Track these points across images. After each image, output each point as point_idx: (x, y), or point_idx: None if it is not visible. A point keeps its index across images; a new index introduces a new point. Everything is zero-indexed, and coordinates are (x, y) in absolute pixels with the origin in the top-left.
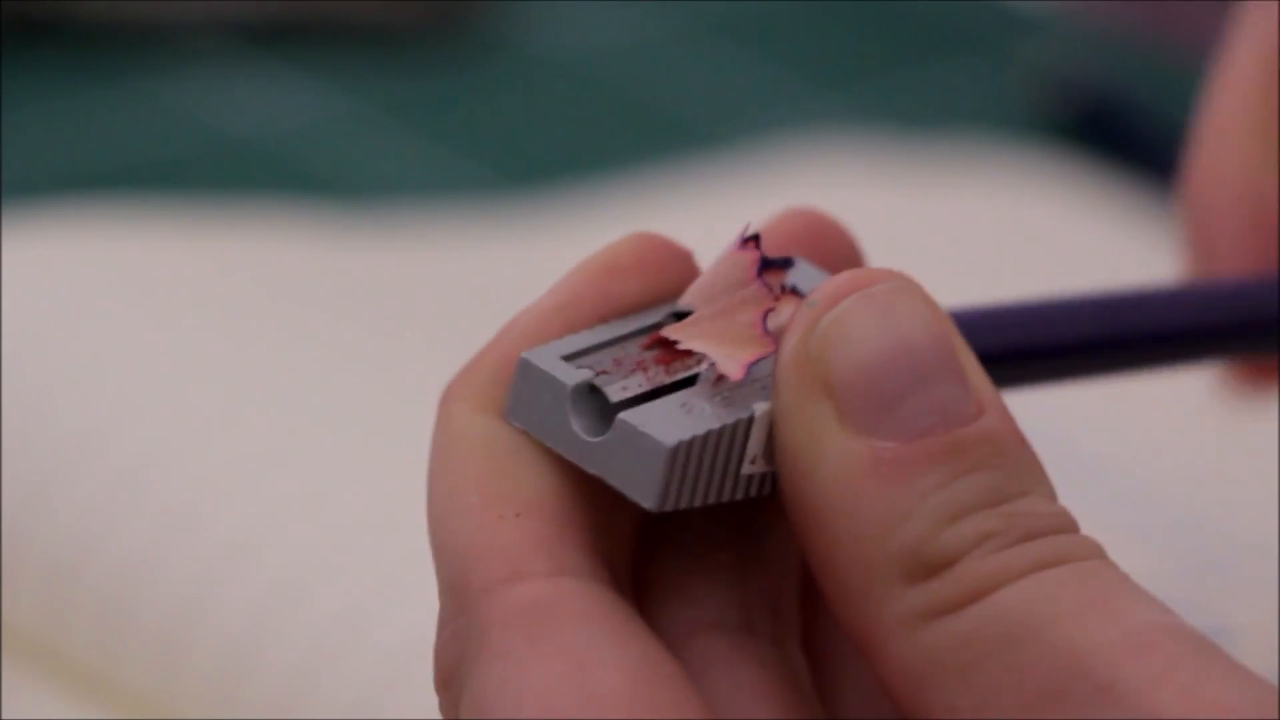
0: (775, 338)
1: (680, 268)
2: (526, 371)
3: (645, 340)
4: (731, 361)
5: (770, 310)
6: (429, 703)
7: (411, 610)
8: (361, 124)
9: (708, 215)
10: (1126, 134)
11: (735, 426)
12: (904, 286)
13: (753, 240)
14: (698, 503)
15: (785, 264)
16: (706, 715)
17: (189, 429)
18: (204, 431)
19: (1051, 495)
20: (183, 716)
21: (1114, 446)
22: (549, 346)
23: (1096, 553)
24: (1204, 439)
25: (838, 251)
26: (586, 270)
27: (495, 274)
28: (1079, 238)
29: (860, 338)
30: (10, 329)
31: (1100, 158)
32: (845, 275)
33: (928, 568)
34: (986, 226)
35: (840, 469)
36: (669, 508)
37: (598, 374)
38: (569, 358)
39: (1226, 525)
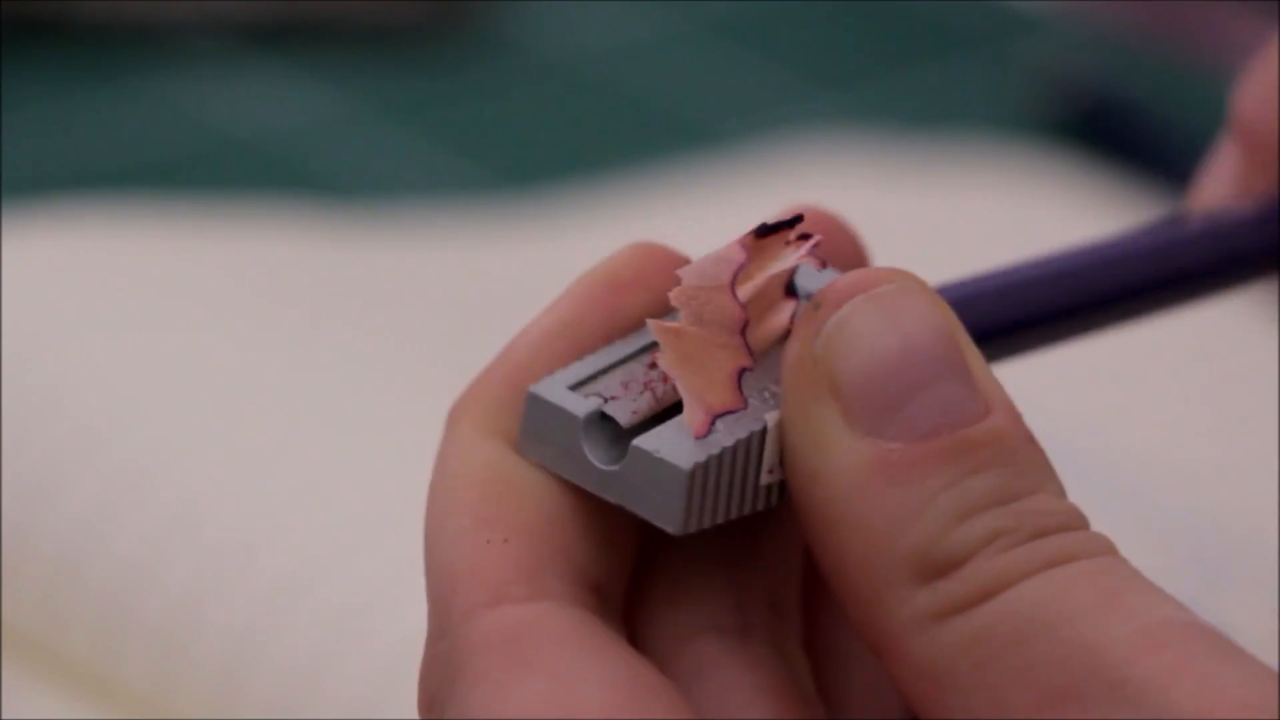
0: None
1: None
2: (536, 406)
3: (650, 359)
4: (698, 410)
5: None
6: None
7: (411, 609)
8: (361, 124)
9: (708, 215)
10: (1126, 134)
11: (750, 439)
12: (909, 286)
13: (749, 235)
14: (720, 519)
15: (793, 222)
16: None
17: (189, 428)
18: (204, 431)
19: (1061, 493)
20: (183, 716)
21: (1113, 446)
22: (555, 377)
23: (1108, 549)
24: (1204, 438)
25: (843, 250)
26: (587, 285)
27: (494, 274)
28: (1079, 238)
29: (865, 339)
30: (10, 329)
31: (1100, 158)
32: (850, 276)
33: (938, 567)
34: (986, 226)
35: (848, 471)
36: (693, 529)
37: (607, 400)
38: (576, 386)
39: (1226, 525)
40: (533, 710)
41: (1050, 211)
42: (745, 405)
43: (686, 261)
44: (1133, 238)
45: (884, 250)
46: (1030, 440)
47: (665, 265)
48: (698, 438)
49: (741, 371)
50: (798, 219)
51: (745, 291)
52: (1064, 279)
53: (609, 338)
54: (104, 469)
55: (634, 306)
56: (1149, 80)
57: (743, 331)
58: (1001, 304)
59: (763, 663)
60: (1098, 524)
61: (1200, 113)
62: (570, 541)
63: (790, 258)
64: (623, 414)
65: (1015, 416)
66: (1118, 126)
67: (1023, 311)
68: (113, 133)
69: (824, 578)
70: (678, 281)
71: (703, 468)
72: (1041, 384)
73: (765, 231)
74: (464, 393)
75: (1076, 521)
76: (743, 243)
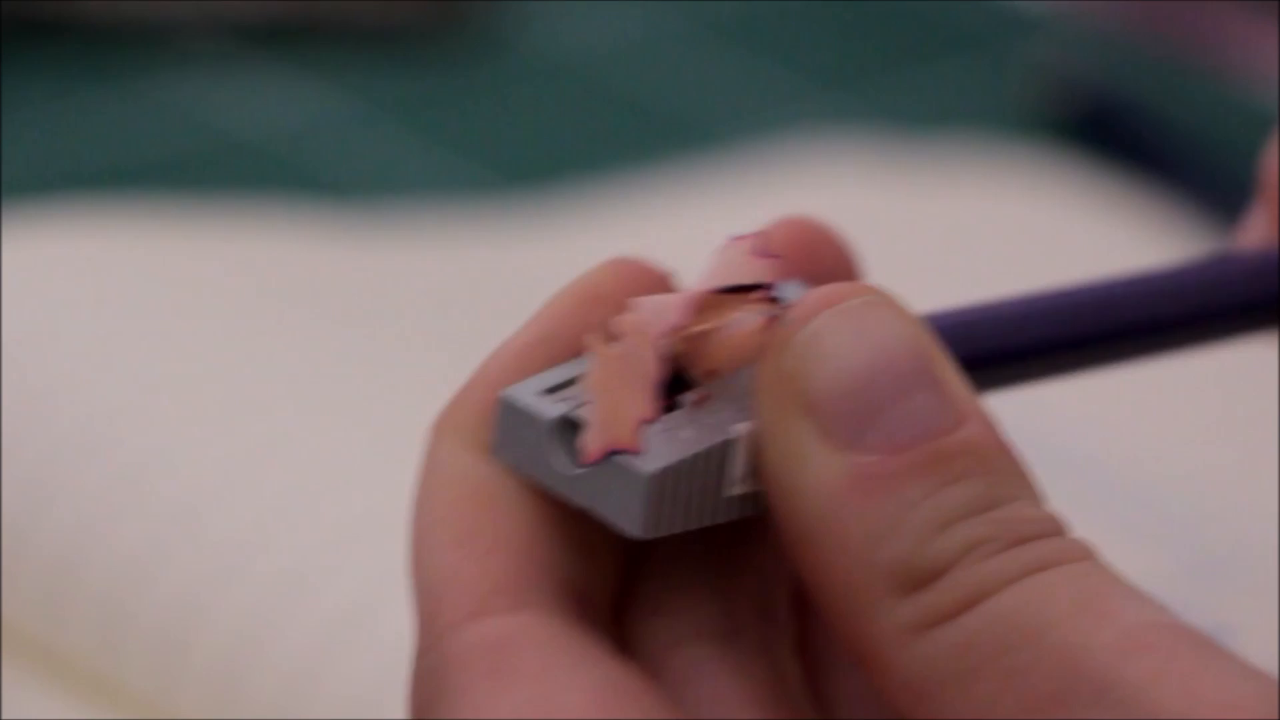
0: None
1: (660, 290)
2: (506, 409)
3: None
4: (597, 439)
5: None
6: None
7: (412, 609)
8: (361, 124)
9: (707, 215)
10: (1126, 134)
11: (716, 449)
12: (878, 300)
13: (707, 294)
14: (684, 527)
15: (755, 288)
16: None
17: (189, 428)
18: (204, 430)
19: (1039, 499)
20: (183, 716)
21: (1112, 446)
22: (528, 382)
23: (1088, 554)
24: (1203, 438)
25: (834, 262)
26: (565, 300)
27: (495, 274)
28: (1079, 238)
29: (835, 353)
30: (10, 329)
31: (1100, 158)
32: (818, 291)
33: (919, 578)
34: (986, 226)
35: (824, 486)
36: (655, 535)
37: (578, 406)
38: (549, 391)
39: (1226, 525)
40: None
41: (1050, 211)
42: (640, 450)
43: (665, 275)
44: (1138, 277)
45: (884, 251)
46: (1006, 449)
47: (642, 280)
48: (585, 464)
49: (643, 423)
50: (760, 286)
51: (695, 329)
52: (1058, 311)
53: (585, 350)
54: (104, 469)
55: (608, 318)
56: (1149, 80)
57: (655, 385)
58: (995, 332)
59: (753, 667)
60: (1096, 525)
61: (1200, 113)
62: (552, 551)
63: (745, 314)
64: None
65: (989, 426)
66: (1118, 126)
67: (1016, 341)
68: (113, 133)
69: (807, 591)
70: (628, 309)
71: (665, 473)
72: (1041, 386)
73: (729, 290)
74: (444, 407)
75: (1055, 528)
76: (691, 301)
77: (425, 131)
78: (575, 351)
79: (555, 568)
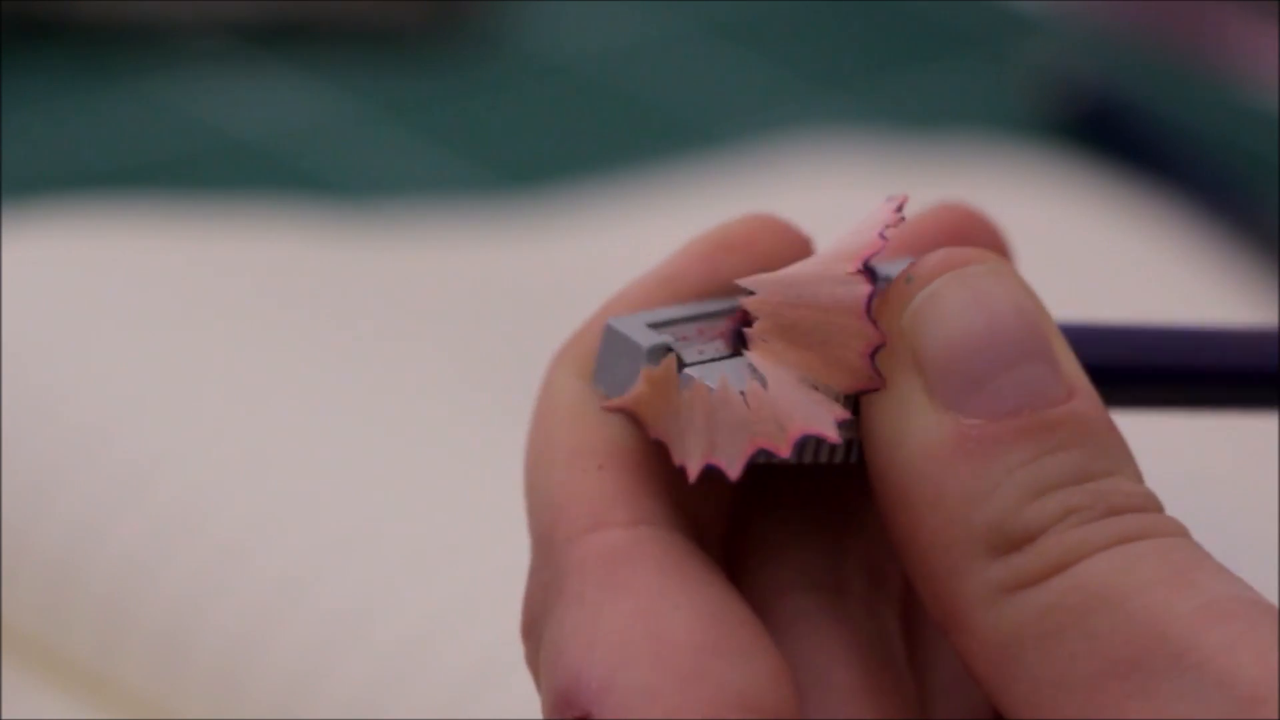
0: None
1: (794, 250)
2: (610, 336)
3: (735, 315)
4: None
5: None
6: (429, 702)
7: (412, 610)
8: (361, 124)
9: (707, 216)
10: (1126, 134)
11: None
12: (999, 268)
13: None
14: (761, 460)
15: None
16: (778, 661)
17: (189, 428)
18: (204, 431)
19: (1138, 477)
20: (183, 716)
21: None
22: (638, 315)
23: (1180, 531)
24: (1203, 437)
25: (986, 246)
26: (697, 246)
27: (494, 274)
28: (1079, 238)
29: (952, 315)
30: (10, 329)
31: (1100, 158)
32: (940, 254)
33: (1011, 541)
34: None
35: (927, 444)
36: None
37: (678, 340)
38: (655, 326)
39: (1227, 525)
40: (622, 633)
41: (1050, 211)
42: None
43: (802, 236)
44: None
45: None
46: (1111, 426)
47: (777, 235)
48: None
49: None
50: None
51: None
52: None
53: (707, 295)
54: (104, 469)
55: (738, 270)
56: (1149, 80)
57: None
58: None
59: (856, 623)
60: None
61: (1200, 113)
62: (664, 474)
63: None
64: (688, 351)
65: (1097, 402)
66: (1118, 126)
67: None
68: (113, 133)
69: (896, 550)
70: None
71: None
72: None
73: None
74: (566, 340)
75: (1151, 504)
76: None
77: (425, 131)
78: (695, 295)
79: (668, 490)
